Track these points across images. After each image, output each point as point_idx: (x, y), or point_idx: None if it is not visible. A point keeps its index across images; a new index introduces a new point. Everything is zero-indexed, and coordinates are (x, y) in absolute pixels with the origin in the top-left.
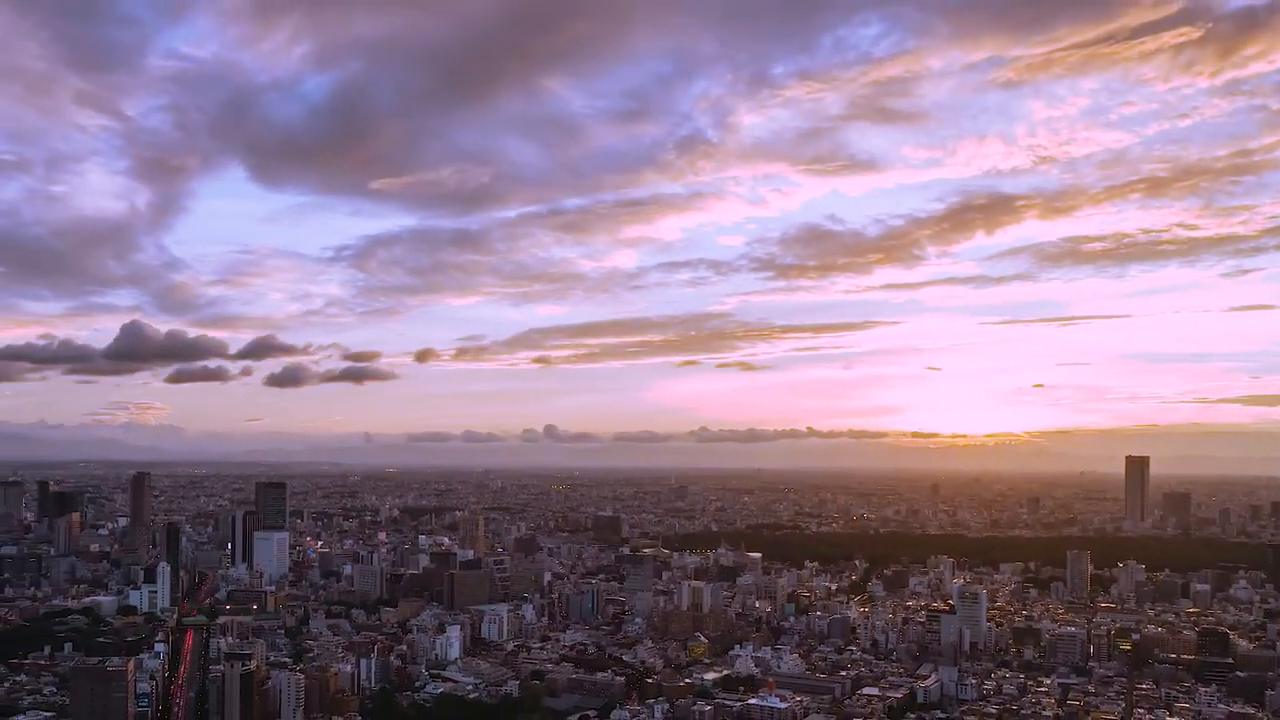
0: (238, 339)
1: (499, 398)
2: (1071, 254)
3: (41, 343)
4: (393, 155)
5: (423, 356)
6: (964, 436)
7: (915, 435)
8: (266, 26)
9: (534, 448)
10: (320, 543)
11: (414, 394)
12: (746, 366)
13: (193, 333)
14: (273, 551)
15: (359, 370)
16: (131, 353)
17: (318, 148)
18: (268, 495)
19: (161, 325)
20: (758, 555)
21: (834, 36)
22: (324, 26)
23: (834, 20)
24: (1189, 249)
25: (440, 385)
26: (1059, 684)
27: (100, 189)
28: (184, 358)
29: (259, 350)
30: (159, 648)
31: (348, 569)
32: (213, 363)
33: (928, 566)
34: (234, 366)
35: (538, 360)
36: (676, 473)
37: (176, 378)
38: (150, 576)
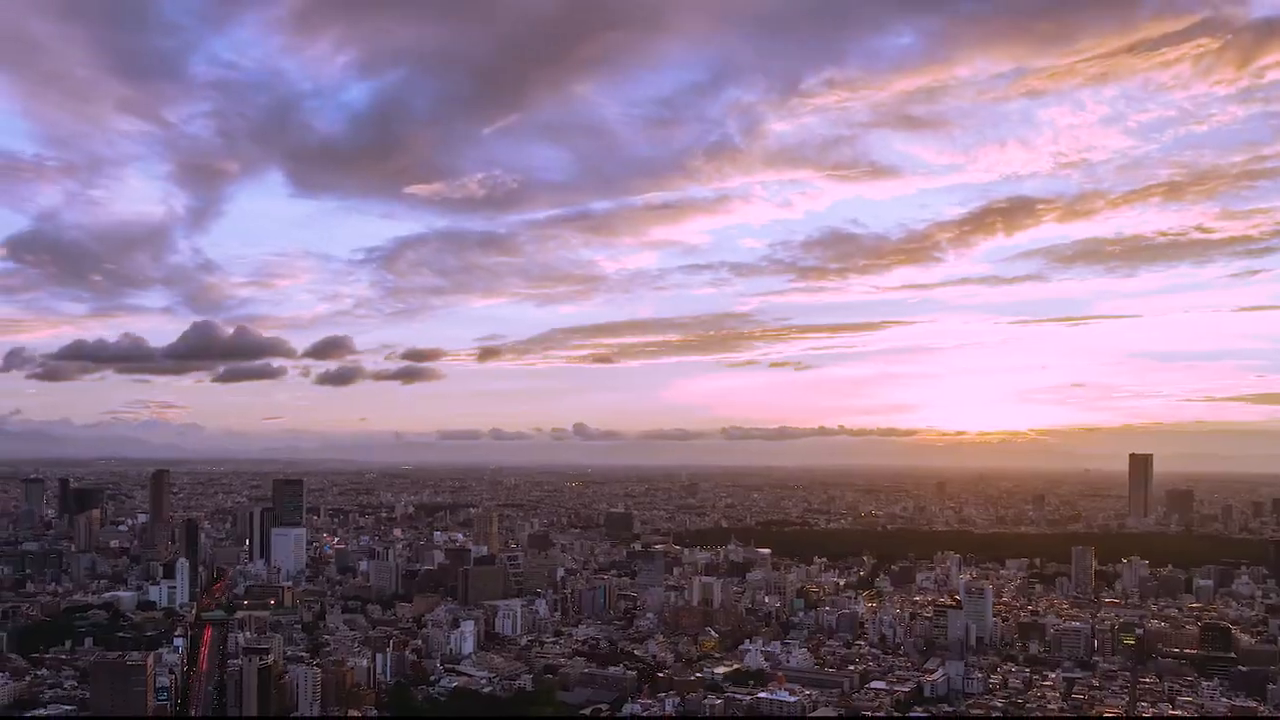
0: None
1: (528, 396)
2: (1085, 255)
3: (114, 339)
4: (427, 161)
5: (484, 356)
6: (988, 434)
7: (942, 434)
8: (310, 35)
9: (563, 445)
10: (337, 539)
11: (445, 392)
12: (789, 365)
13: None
14: (290, 547)
15: (413, 370)
16: (195, 351)
17: (355, 154)
18: (285, 492)
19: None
20: (767, 551)
21: (867, 47)
22: (366, 35)
23: (868, 30)
24: (1201, 250)
25: (470, 384)
26: (1064, 678)
27: (139, 194)
28: (248, 356)
29: (323, 350)
30: (178, 642)
31: (364, 565)
32: (276, 361)
33: (934, 562)
34: (293, 365)
35: (566, 359)
36: (704, 471)
37: (228, 377)
38: (169, 572)
